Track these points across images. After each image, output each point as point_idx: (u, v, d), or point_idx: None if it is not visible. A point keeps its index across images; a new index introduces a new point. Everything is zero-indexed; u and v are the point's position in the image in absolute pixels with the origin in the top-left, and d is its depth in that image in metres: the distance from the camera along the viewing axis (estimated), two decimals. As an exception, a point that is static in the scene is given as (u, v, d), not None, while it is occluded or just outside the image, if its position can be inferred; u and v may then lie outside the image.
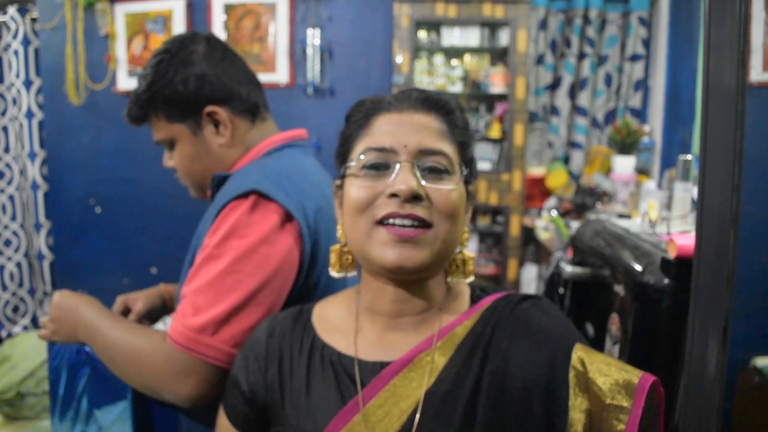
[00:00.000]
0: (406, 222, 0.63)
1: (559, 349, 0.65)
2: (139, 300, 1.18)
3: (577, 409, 0.61)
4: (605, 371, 0.61)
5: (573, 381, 0.62)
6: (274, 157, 0.99)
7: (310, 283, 0.91)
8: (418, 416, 0.64)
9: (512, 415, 0.63)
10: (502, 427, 0.62)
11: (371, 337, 0.71)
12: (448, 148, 0.68)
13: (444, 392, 0.64)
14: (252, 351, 0.74)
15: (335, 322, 0.74)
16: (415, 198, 0.63)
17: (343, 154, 0.72)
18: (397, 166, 0.64)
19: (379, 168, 0.65)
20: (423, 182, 0.64)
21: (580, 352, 0.64)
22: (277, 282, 0.84)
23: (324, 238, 0.92)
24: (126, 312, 1.17)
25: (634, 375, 0.61)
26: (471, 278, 0.73)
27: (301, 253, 0.88)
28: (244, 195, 0.86)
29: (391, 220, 0.63)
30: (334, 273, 0.74)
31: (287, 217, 0.87)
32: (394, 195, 0.63)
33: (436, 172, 0.66)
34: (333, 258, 0.74)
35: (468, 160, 0.72)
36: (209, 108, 0.99)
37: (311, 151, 1.08)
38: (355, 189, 0.66)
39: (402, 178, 0.63)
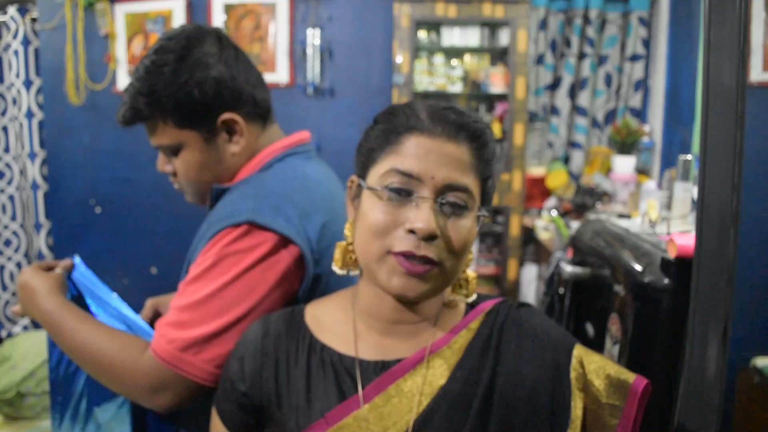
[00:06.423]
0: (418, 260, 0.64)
1: (561, 351, 0.69)
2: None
3: (577, 406, 0.66)
4: (601, 373, 0.67)
5: (574, 381, 0.67)
6: (275, 169, 0.95)
7: (313, 296, 0.89)
8: (428, 413, 0.66)
9: (522, 412, 0.66)
10: (512, 424, 0.66)
11: (370, 341, 0.72)
12: (473, 183, 0.66)
13: (458, 390, 0.67)
14: (246, 351, 0.74)
15: (331, 324, 0.75)
16: (431, 237, 0.63)
17: (365, 158, 0.70)
18: (420, 200, 0.64)
19: (401, 193, 0.65)
20: (441, 221, 0.64)
21: (579, 354, 0.69)
22: (265, 307, 0.83)
23: (328, 255, 0.88)
24: (156, 317, 1.16)
25: (629, 377, 0.66)
26: (473, 297, 0.75)
27: (304, 276, 0.87)
28: (239, 224, 0.84)
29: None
30: (336, 269, 0.74)
31: (284, 242, 0.84)
32: (412, 231, 0.63)
33: (455, 208, 0.65)
34: (337, 254, 0.73)
35: (488, 193, 0.71)
36: (226, 116, 0.93)
37: (315, 155, 1.04)
38: (375, 212, 0.65)
39: (423, 216, 0.63)
